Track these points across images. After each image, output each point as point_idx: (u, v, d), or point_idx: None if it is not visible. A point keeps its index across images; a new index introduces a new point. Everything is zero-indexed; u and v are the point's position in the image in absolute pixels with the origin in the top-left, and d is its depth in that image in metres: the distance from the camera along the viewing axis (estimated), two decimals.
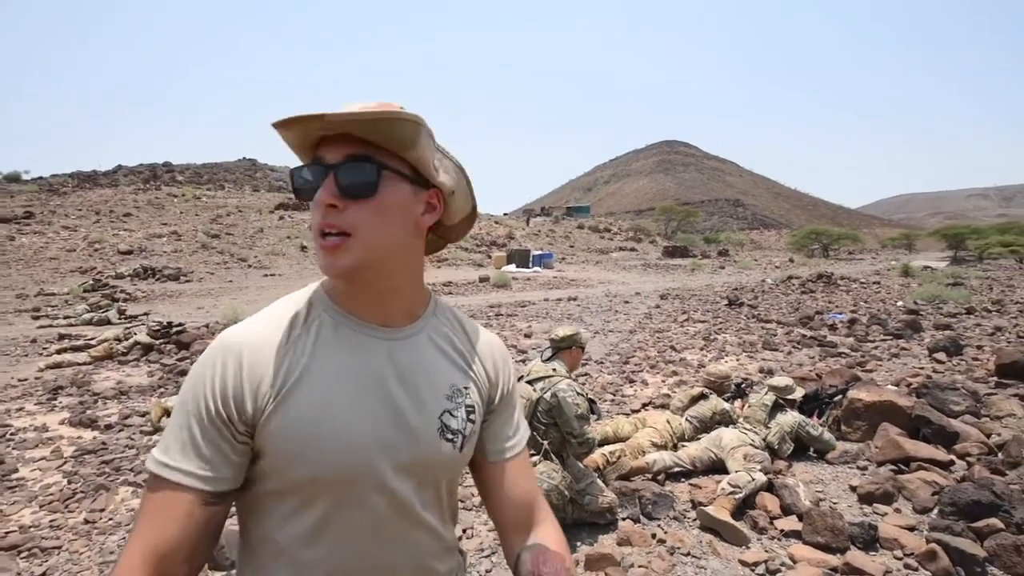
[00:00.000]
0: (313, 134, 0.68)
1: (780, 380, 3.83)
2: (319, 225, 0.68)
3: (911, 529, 2.73)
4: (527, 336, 8.28)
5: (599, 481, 2.97)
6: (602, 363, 6.57)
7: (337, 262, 0.68)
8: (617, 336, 8.43)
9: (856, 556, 2.47)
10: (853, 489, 3.20)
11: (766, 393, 3.79)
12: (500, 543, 0.90)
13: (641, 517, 2.94)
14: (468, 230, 0.87)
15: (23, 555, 2.65)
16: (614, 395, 5.22)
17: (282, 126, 0.66)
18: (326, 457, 0.68)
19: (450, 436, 0.77)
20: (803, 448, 3.71)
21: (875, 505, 3.01)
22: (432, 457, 0.75)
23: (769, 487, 3.10)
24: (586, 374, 5.94)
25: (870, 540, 2.61)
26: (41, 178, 41.60)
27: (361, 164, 0.67)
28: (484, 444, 0.86)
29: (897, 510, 2.96)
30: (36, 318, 9.99)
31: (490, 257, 26.23)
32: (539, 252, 26.33)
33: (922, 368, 5.96)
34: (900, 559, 2.51)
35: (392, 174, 0.69)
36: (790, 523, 2.79)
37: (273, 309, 0.76)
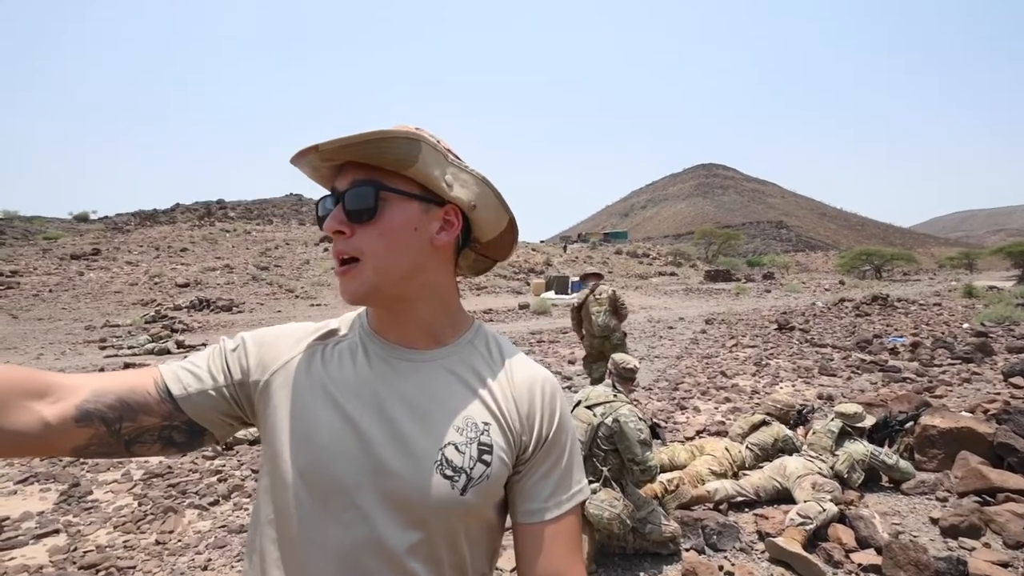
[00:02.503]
0: (322, 166, 0.70)
1: (848, 406, 3.66)
2: (333, 252, 0.70)
3: (1005, 565, 2.54)
4: (571, 363, 8.22)
5: (660, 509, 2.88)
6: (650, 389, 6.44)
7: (348, 288, 0.68)
8: (663, 362, 8.27)
9: None
10: (934, 522, 3.00)
11: (832, 419, 3.63)
12: None
13: (706, 548, 2.84)
14: (513, 244, 0.81)
15: (100, 573, 2.76)
16: (665, 422, 5.09)
17: (294, 162, 0.69)
18: (313, 457, 0.66)
19: (449, 473, 0.67)
20: (873, 478, 3.52)
21: (960, 539, 2.82)
22: (421, 492, 0.66)
23: (841, 518, 2.95)
24: (635, 400, 5.83)
25: None
26: (107, 217, 44.56)
27: (361, 188, 0.67)
28: (514, 501, 0.74)
29: (986, 545, 2.76)
30: (103, 348, 10.55)
31: (528, 284, 26.29)
32: (578, 279, 26.24)
33: (998, 393, 5.58)
34: None
35: (394, 195, 0.68)
36: (868, 557, 2.64)
37: (328, 321, 0.80)
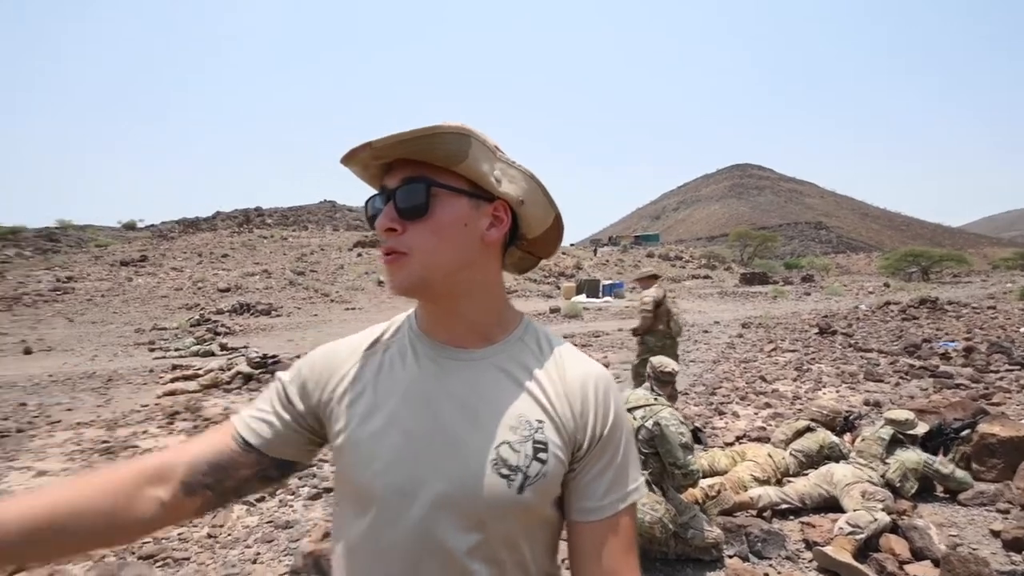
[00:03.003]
0: (373, 164, 0.70)
1: (899, 413, 3.53)
2: (382, 248, 0.71)
3: None
4: (605, 367, 8.16)
5: (703, 515, 2.84)
6: (687, 394, 6.35)
7: (395, 279, 0.68)
8: (700, 366, 8.13)
9: None
10: (995, 534, 2.87)
11: (883, 426, 3.51)
12: None
13: (750, 555, 2.78)
14: (558, 241, 0.81)
15: (158, 564, 2.89)
16: (704, 427, 5.01)
17: (345, 161, 0.69)
18: (370, 465, 0.68)
19: (505, 472, 0.66)
20: (927, 488, 3.39)
21: None
22: (477, 492, 0.66)
23: (894, 528, 2.85)
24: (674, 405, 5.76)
25: None
26: (153, 225, 46.54)
27: (413, 185, 0.67)
28: (569, 498, 0.73)
29: None
30: (152, 350, 11.00)
31: (559, 288, 26.23)
32: (609, 282, 26.04)
33: None
34: None
35: (445, 191, 0.68)
36: (924, 569, 2.54)
37: (374, 327, 0.81)
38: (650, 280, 5.57)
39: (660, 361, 3.17)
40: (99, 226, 43.74)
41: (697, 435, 2.90)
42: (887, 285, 27.64)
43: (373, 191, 0.74)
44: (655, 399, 2.90)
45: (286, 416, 0.74)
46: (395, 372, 0.73)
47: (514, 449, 0.67)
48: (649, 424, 2.76)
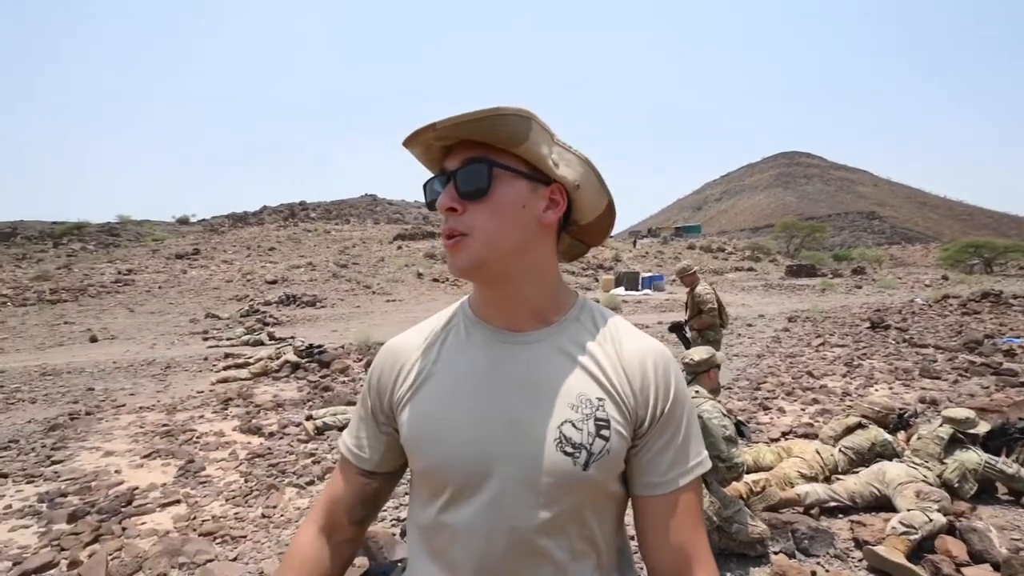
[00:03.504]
0: (435, 145, 0.71)
1: (959, 411, 3.38)
2: (444, 230, 0.71)
3: None
4: None
5: (747, 510, 2.80)
6: (730, 388, 6.23)
7: (457, 261, 0.70)
8: (743, 360, 7.95)
9: None
10: None
11: (941, 425, 3.37)
12: None
13: (796, 552, 2.73)
14: (609, 228, 0.81)
15: (217, 541, 3.05)
16: (748, 422, 4.91)
17: (407, 143, 0.71)
18: (437, 452, 0.71)
19: (569, 450, 0.68)
20: (987, 489, 3.24)
21: None
22: (545, 470, 0.68)
23: (951, 530, 2.74)
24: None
25: None
26: (204, 220, 48.49)
27: (475, 166, 0.68)
28: (633, 474, 0.74)
29: None
30: (205, 339, 11.53)
31: (597, 280, 26.02)
32: (649, 274, 25.66)
33: None
34: None
35: (505, 172, 0.68)
36: (982, 572, 2.44)
37: (428, 320, 0.84)
38: (692, 276, 5.61)
39: (684, 353, 3.13)
40: (155, 221, 45.94)
41: (741, 429, 2.86)
42: (946, 278, 26.22)
43: (430, 175, 0.75)
44: (695, 392, 2.88)
45: (376, 428, 0.81)
46: (455, 360, 0.75)
47: (576, 427, 0.69)
48: None
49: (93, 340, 11.73)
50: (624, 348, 0.75)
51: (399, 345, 0.81)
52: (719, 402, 2.86)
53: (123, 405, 6.09)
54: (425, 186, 0.75)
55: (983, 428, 3.36)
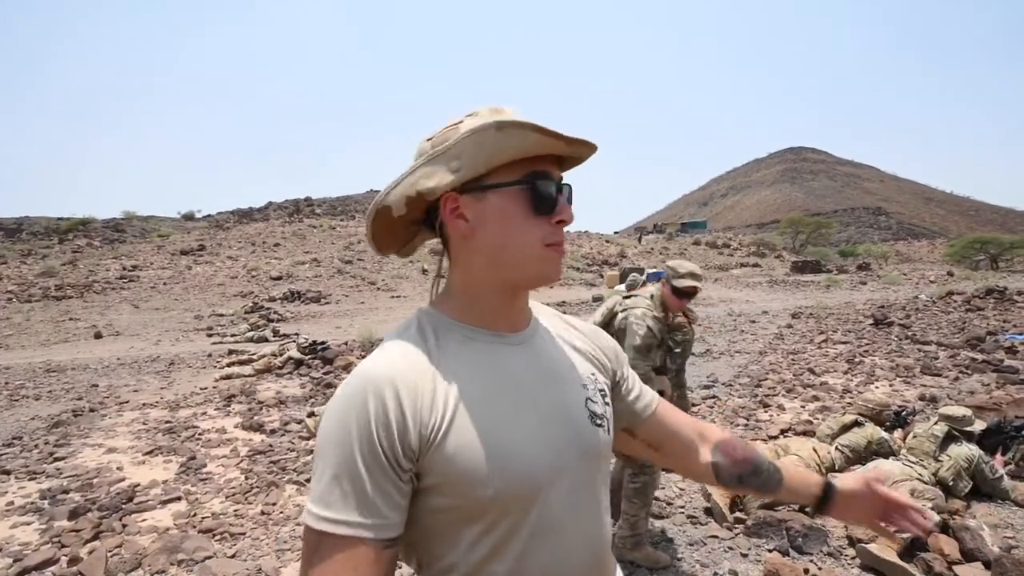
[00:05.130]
0: (537, 150, 0.69)
1: (954, 409, 3.38)
2: (558, 239, 0.72)
3: None
4: None
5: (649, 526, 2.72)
6: (731, 385, 6.23)
7: (560, 269, 0.74)
8: (745, 357, 7.94)
9: None
10: None
11: (937, 423, 3.37)
12: (692, 479, 0.93)
13: (790, 550, 2.74)
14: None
15: (217, 538, 3.09)
16: (747, 420, 4.92)
17: (515, 127, 0.66)
18: (505, 471, 0.66)
19: (599, 422, 0.76)
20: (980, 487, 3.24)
21: None
22: (593, 447, 0.75)
23: (944, 528, 2.75)
24: (714, 397, 5.67)
25: None
26: (210, 215, 48.67)
27: (568, 186, 0.74)
28: (632, 409, 0.89)
29: None
30: (210, 336, 11.61)
31: (602, 276, 26.00)
32: (654, 270, 25.60)
33: None
34: None
35: None
36: (974, 571, 2.45)
37: (396, 342, 0.70)
38: (645, 285, 5.57)
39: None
40: (161, 217, 46.16)
41: (676, 345, 2.76)
42: (951, 274, 26.04)
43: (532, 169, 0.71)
44: (650, 297, 2.72)
45: (397, 478, 0.63)
46: (472, 370, 0.70)
47: (594, 401, 0.77)
48: (617, 321, 2.66)
49: (98, 336, 11.82)
50: (575, 324, 0.89)
51: (400, 374, 0.65)
52: (664, 315, 2.67)
53: (127, 402, 6.15)
54: (537, 181, 0.70)
55: (979, 426, 3.37)
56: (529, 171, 0.70)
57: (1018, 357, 7.07)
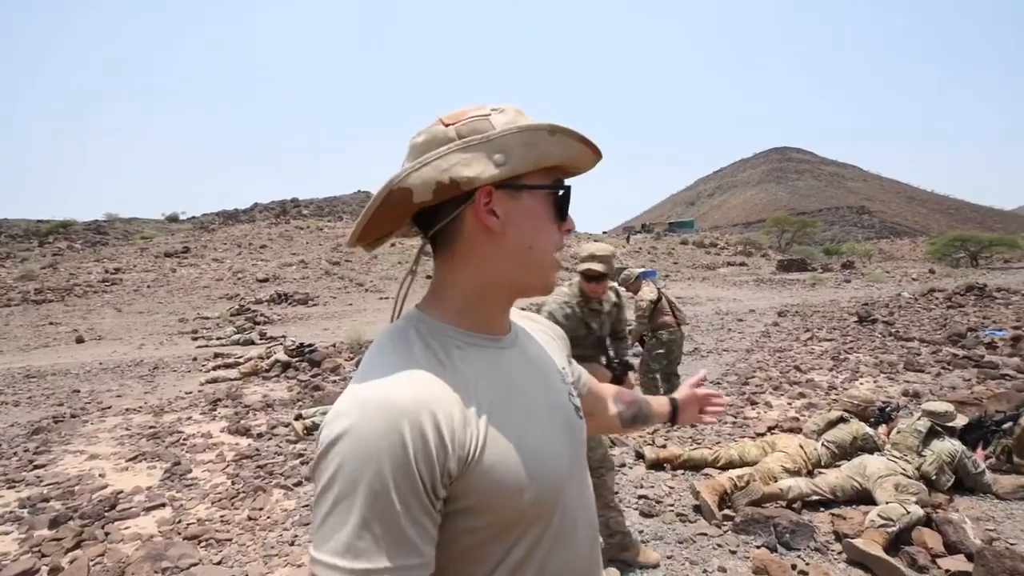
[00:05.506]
0: (576, 161, 0.71)
1: (937, 404, 3.43)
2: (560, 248, 0.73)
3: None
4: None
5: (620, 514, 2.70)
6: (719, 383, 6.28)
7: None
8: (732, 355, 8.01)
9: None
10: None
11: (920, 418, 3.41)
12: (606, 433, 0.98)
13: (778, 546, 2.76)
14: None
15: (202, 545, 3.04)
16: (735, 417, 4.96)
17: (563, 134, 0.67)
18: (540, 473, 0.66)
19: (581, 414, 0.80)
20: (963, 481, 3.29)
21: None
22: (583, 438, 0.79)
23: (928, 522, 2.79)
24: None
25: None
26: (194, 217, 48.07)
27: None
28: (576, 385, 0.94)
29: None
30: (195, 339, 11.46)
31: None
32: (642, 269, 25.75)
33: None
34: None
35: None
36: (957, 563, 2.48)
37: (398, 356, 0.64)
38: (639, 282, 5.74)
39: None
40: (144, 219, 45.50)
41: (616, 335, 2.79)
42: (932, 271, 26.49)
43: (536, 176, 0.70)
44: (568, 286, 2.71)
45: (432, 509, 0.58)
46: (490, 380, 0.68)
47: (572, 394, 0.81)
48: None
49: (79, 341, 11.63)
50: (533, 317, 0.92)
51: (429, 395, 0.60)
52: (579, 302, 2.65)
53: (109, 407, 6.05)
54: (565, 188, 0.72)
55: (961, 421, 3.42)
56: (558, 177, 0.72)
57: (998, 353, 7.20)
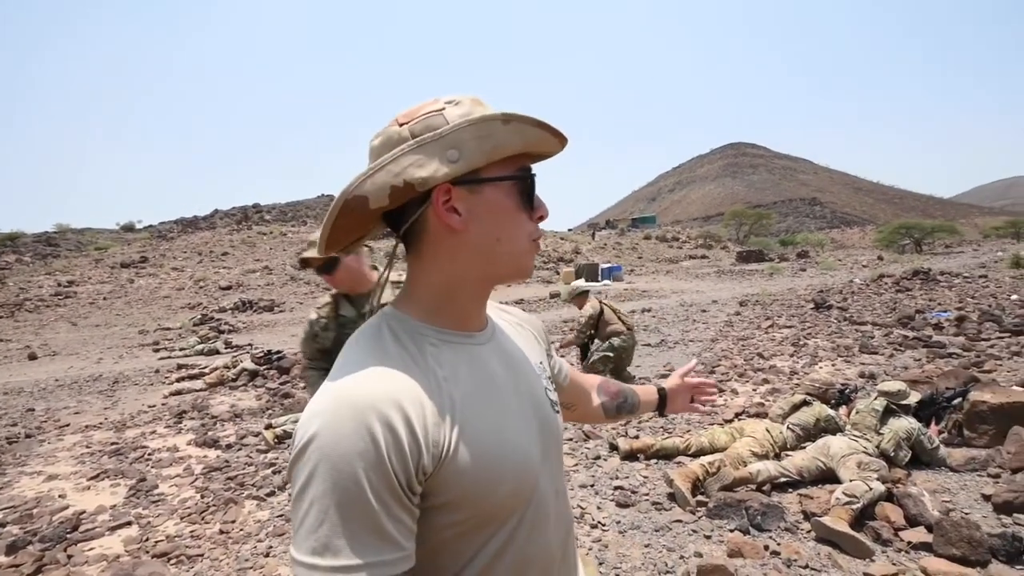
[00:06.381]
0: (538, 148, 0.69)
1: (892, 384, 3.60)
2: (538, 236, 0.72)
3: None
4: None
5: None
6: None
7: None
8: (698, 345, 8.21)
9: (1001, 570, 2.28)
10: (987, 498, 2.95)
11: (876, 398, 3.58)
12: (590, 423, 1.08)
13: (750, 528, 2.86)
14: None
15: (172, 562, 2.95)
16: (703, 405, 5.08)
17: (519, 121, 0.65)
18: (516, 466, 0.67)
19: (557, 408, 0.81)
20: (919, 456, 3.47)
21: (1015, 515, 2.76)
22: (559, 433, 0.80)
23: (889, 497, 2.93)
24: None
25: (1015, 552, 2.40)
26: (151, 226, 46.25)
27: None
28: (558, 382, 0.98)
29: None
30: (156, 351, 11.05)
31: (558, 273, 26.27)
32: (608, 265, 26.07)
33: None
34: None
35: None
36: (918, 534, 2.62)
37: (370, 354, 0.64)
38: (582, 298, 6.15)
39: None
40: (98, 229, 43.52)
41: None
42: (881, 258, 27.68)
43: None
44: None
45: (410, 504, 0.59)
46: (465, 375, 0.68)
47: (549, 389, 0.82)
48: None
49: (32, 357, 11.08)
50: (511, 311, 0.91)
51: (400, 392, 0.60)
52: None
53: (67, 425, 5.79)
54: (532, 175, 0.71)
55: (914, 399, 3.60)
56: (521, 165, 0.69)
57: (944, 333, 7.59)
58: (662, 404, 1.18)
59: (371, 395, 0.58)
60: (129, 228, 45.14)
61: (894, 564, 2.46)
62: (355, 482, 0.54)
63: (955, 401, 3.86)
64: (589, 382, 1.10)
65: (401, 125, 0.65)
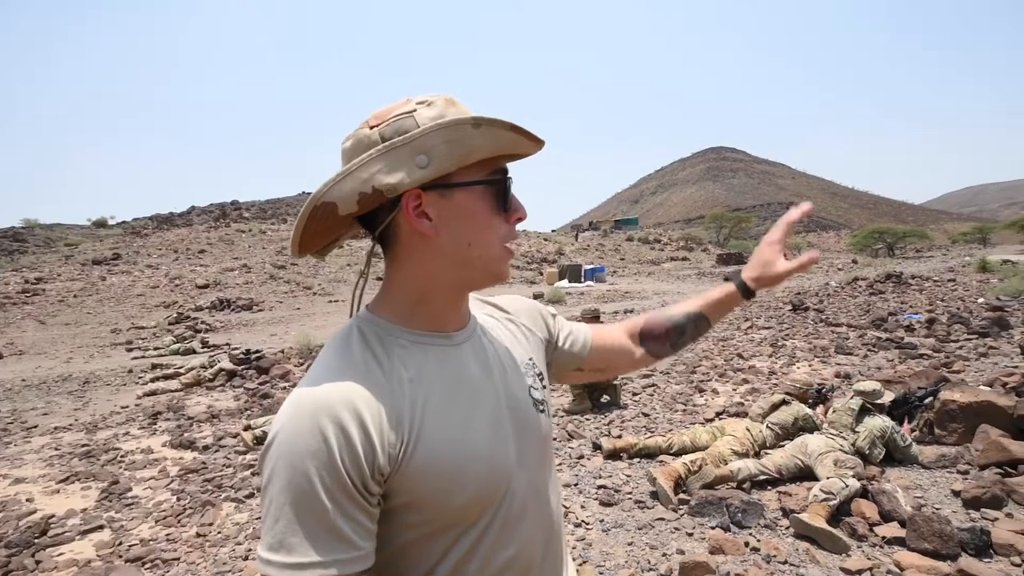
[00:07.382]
0: (512, 150, 0.68)
1: (867, 384, 3.69)
2: (515, 239, 0.72)
3: None
4: None
5: None
6: (668, 373, 6.49)
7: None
8: None
9: (970, 563, 2.35)
10: (956, 494, 3.04)
11: (852, 397, 3.66)
12: (638, 372, 0.98)
13: (731, 526, 2.90)
14: None
15: (147, 566, 2.89)
16: (685, 404, 5.15)
17: (488, 124, 0.63)
18: (479, 472, 0.65)
19: (541, 408, 0.78)
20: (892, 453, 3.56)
21: (983, 510, 2.85)
22: (540, 433, 0.77)
23: (864, 493, 2.99)
24: (653, 385, 5.88)
25: (983, 546, 2.47)
26: (125, 222, 45.09)
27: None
28: (573, 353, 0.93)
29: (1009, 515, 2.79)
30: (130, 350, 10.79)
31: (542, 274, 26.34)
32: (591, 266, 26.22)
33: (1016, 367, 5.55)
34: (1019, 565, 2.37)
35: None
36: (892, 530, 2.69)
37: (342, 356, 0.65)
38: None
39: None
40: (68, 224, 42.29)
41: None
42: (855, 262, 28.31)
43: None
44: None
45: (367, 504, 0.59)
46: (432, 377, 0.67)
47: (535, 388, 0.79)
48: None
49: None
50: (498, 304, 0.88)
51: (356, 394, 0.60)
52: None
53: (35, 426, 5.62)
54: (508, 177, 0.70)
55: (888, 398, 3.69)
56: (494, 168, 0.68)
57: (915, 334, 7.79)
58: (746, 290, 0.97)
59: (326, 398, 0.59)
60: (101, 224, 43.94)
61: (869, 559, 2.52)
62: (308, 481, 0.55)
63: (926, 400, 3.97)
64: (619, 338, 0.98)
65: (372, 128, 0.64)
